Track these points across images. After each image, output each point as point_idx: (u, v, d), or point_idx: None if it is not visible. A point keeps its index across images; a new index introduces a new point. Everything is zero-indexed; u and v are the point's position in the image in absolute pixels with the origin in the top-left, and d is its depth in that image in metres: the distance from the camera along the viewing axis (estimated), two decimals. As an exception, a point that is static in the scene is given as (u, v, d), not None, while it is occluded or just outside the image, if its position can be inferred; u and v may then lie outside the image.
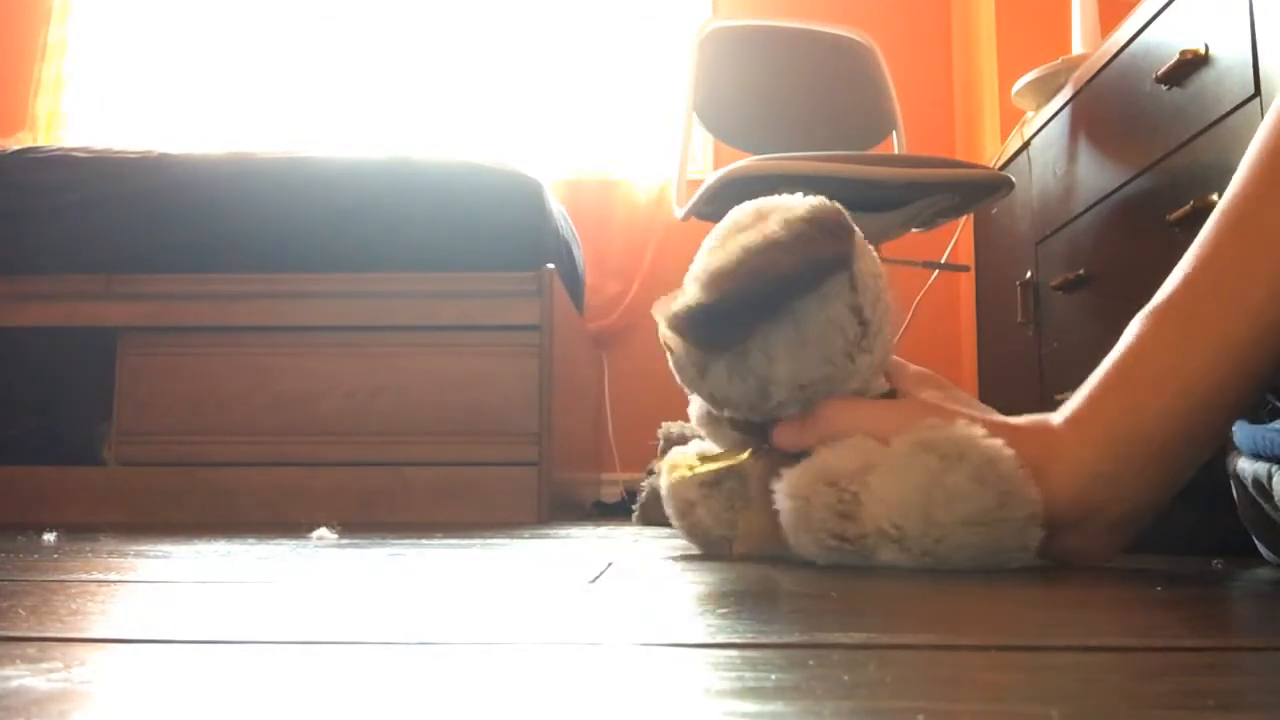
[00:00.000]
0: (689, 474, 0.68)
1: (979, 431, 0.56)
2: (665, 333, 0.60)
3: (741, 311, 0.57)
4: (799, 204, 0.60)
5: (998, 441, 0.56)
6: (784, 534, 0.64)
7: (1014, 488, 0.55)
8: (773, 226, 0.57)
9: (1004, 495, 0.54)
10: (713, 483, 0.68)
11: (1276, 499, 0.59)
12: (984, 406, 0.63)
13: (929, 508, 0.54)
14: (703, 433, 0.71)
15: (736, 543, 0.68)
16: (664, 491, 0.72)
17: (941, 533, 0.54)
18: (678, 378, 0.63)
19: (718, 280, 0.56)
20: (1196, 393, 0.56)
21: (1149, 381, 0.57)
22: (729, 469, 0.67)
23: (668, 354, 0.63)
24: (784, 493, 0.58)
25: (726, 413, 0.63)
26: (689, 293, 0.57)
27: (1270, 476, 0.60)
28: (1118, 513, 0.58)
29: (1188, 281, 0.58)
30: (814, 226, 0.56)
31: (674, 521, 0.72)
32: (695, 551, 0.75)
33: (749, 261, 0.55)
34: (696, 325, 0.57)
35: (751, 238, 0.56)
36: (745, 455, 0.65)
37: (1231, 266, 0.56)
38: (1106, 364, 0.59)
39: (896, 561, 0.57)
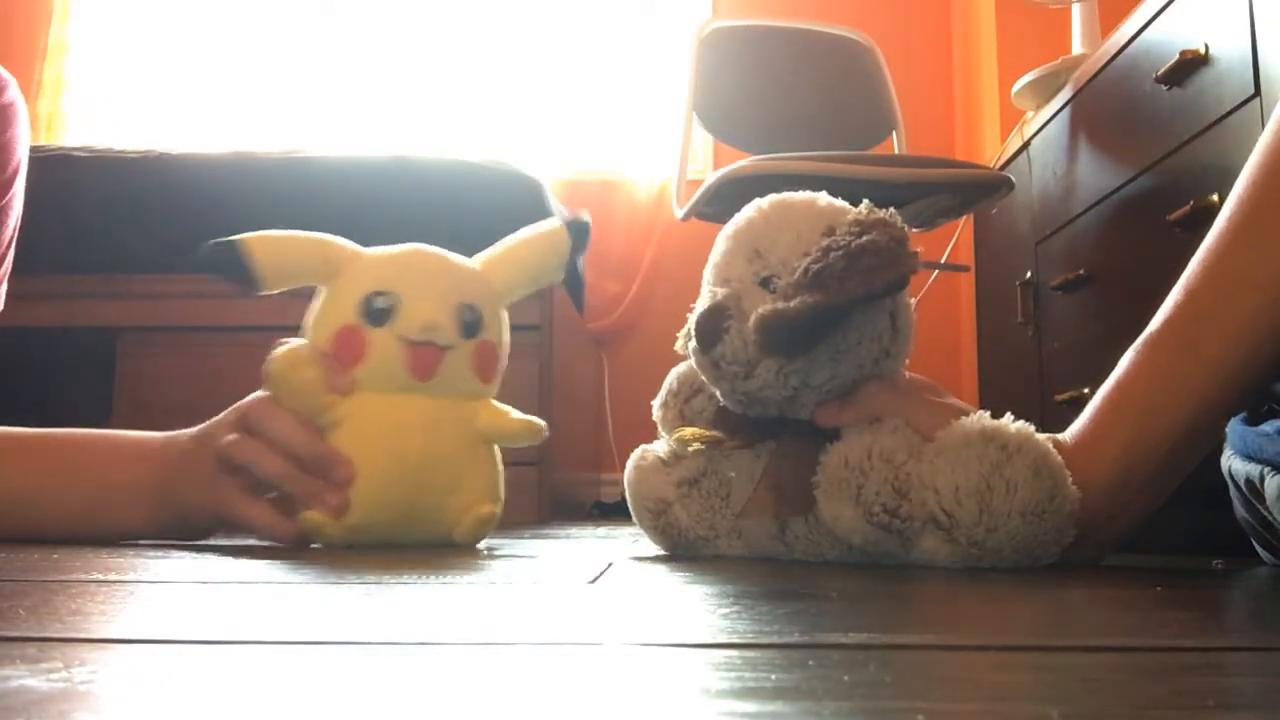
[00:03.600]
0: (691, 445, 0.66)
1: (1030, 426, 0.58)
2: (751, 330, 0.59)
3: (833, 317, 0.57)
4: (850, 209, 0.61)
5: (1044, 436, 0.58)
6: (786, 529, 0.63)
7: (1062, 482, 0.56)
8: (857, 229, 0.57)
9: (1054, 488, 0.56)
10: (692, 481, 0.68)
11: (1268, 501, 0.60)
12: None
13: (987, 496, 0.55)
14: (665, 433, 0.71)
15: (725, 543, 0.68)
16: (632, 488, 0.70)
17: (996, 522, 0.55)
18: (707, 375, 0.62)
19: (823, 282, 0.56)
20: (1195, 415, 0.59)
21: (1148, 409, 0.59)
22: (718, 462, 0.67)
23: (698, 354, 0.62)
24: (836, 464, 0.58)
25: (752, 411, 0.63)
26: (783, 296, 0.57)
27: (1262, 479, 0.60)
28: (1115, 530, 0.61)
29: (1180, 308, 0.60)
30: (899, 232, 0.57)
31: (643, 521, 0.70)
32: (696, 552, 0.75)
33: (855, 265, 0.56)
34: (790, 327, 0.57)
35: (846, 242, 0.57)
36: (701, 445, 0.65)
37: (1219, 291, 0.59)
38: (1108, 388, 0.61)
39: (935, 554, 0.57)
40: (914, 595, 0.47)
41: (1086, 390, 1.37)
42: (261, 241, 0.73)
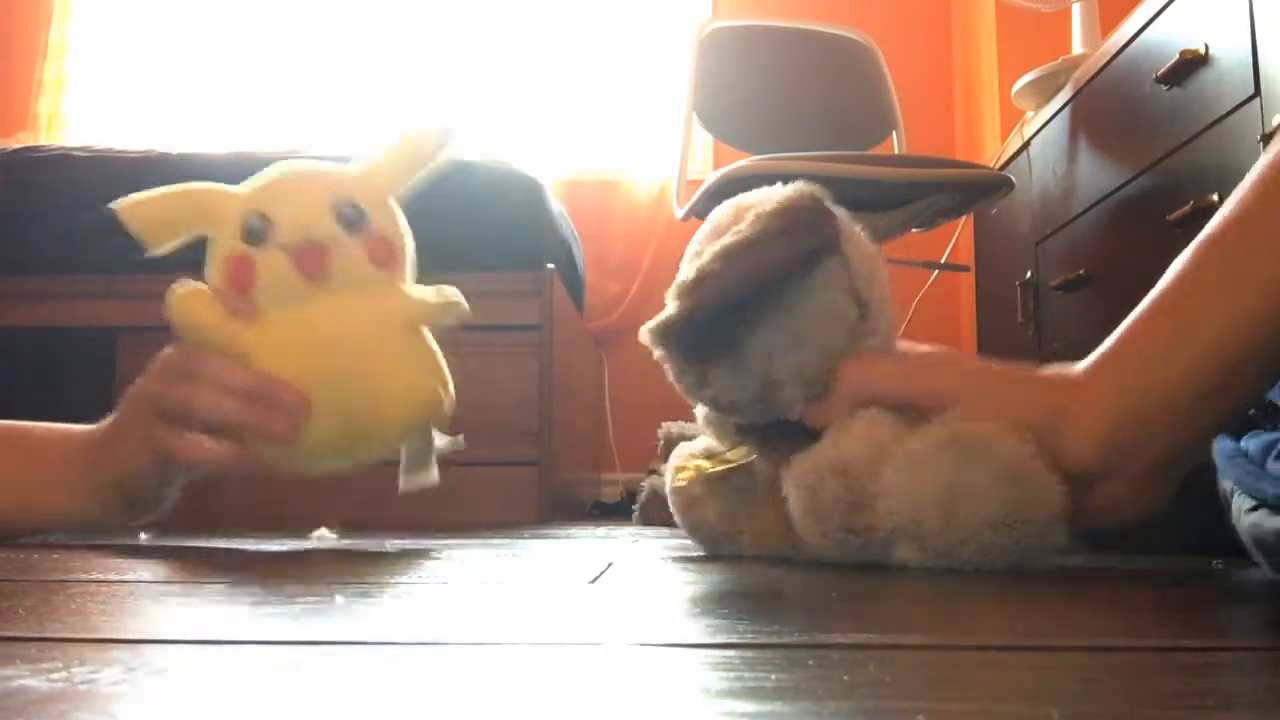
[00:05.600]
0: (696, 476, 0.67)
1: (1002, 426, 0.54)
2: (655, 349, 0.59)
3: (723, 317, 0.56)
4: (773, 196, 0.59)
5: (1017, 437, 0.54)
6: (794, 532, 0.62)
7: (1037, 489, 0.53)
8: (743, 227, 0.56)
9: (1028, 497, 0.52)
10: (719, 479, 0.67)
11: (1233, 517, 0.58)
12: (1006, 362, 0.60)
13: (951, 507, 0.52)
14: (708, 432, 0.70)
15: (747, 542, 0.67)
16: (668, 489, 0.71)
17: (965, 534, 0.53)
18: (678, 388, 0.62)
19: (692, 290, 0.55)
20: (1241, 330, 0.51)
21: (1188, 318, 0.52)
22: (737, 469, 0.66)
23: (666, 367, 0.62)
24: (791, 482, 0.57)
25: (734, 418, 0.63)
26: (668, 307, 0.57)
27: (1231, 494, 0.59)
28: (1153, 455, 0.54)
29: (1240, 208, 0.52)
30: (787, 219, 0.55)
31: (677, 518, 0.71)
32: (695, 552, 0.75)
33: (722, 266, 0.54)
34: (680, 338, 0.56)
35: (725, 241, 0.56)
36: (751, 456, 0.64)
37: None
38: (1145, 303, 0.55)
39: (913, 560, 0.55)
40: (914, 595, 0.47)
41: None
42: (130, 206, 0.72)
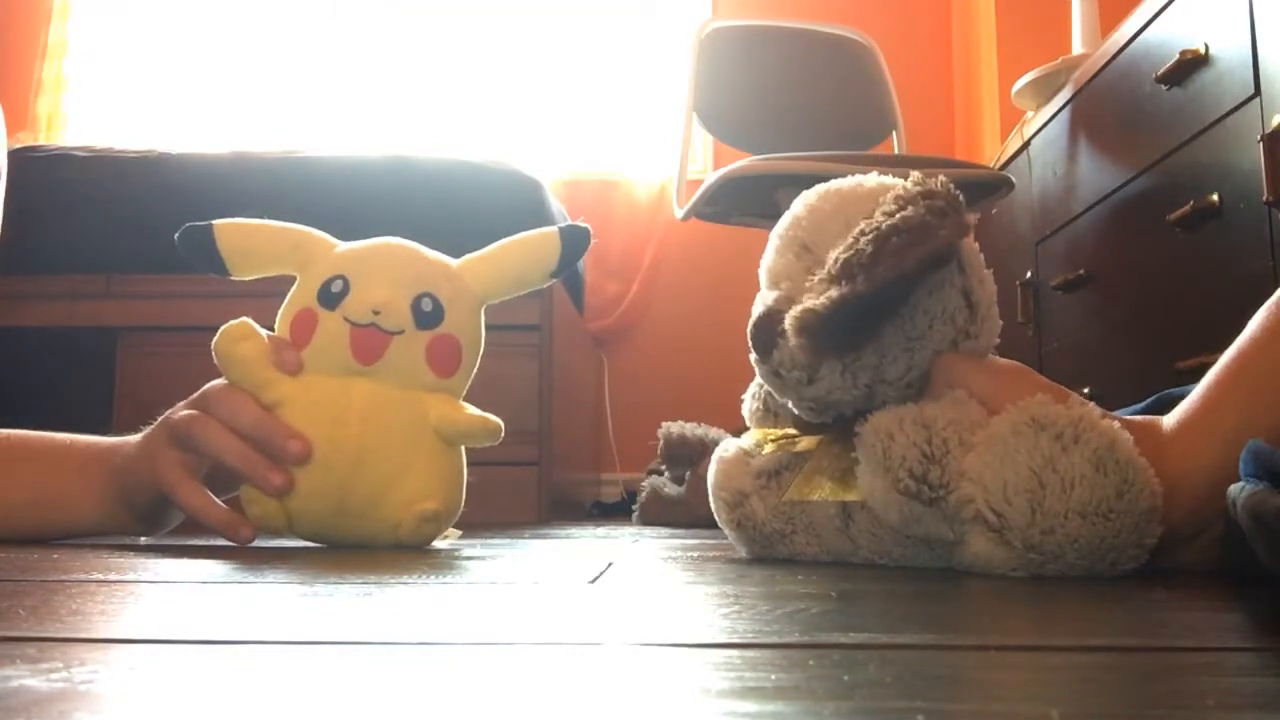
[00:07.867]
0: (780, 450, 0.63)
1: (1095, 411, 0.51)
2: (790, 336, 0.54)
3: (876, 306, 0.52)
4: (887, 182, 0.56)
5: (1115, 423, 0.51)
6: (852, 524, 0.59)
7: (1135, 475, 0.50)
8: (894, 208, 0.52)
9: (1124, 484, 0.49)
10: (771, 473, 0.63)
11: (1231, 499, 0.57)
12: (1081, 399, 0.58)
13: (1039, 494, 0.49)
14: (750, 424, 0.68)
15: (800, 540, 0.62)
16: (712, 480, 0.66)
17: (1052, 523, 0.49)
18: (771, 385, 0.59)
19: (850, 272, 0.51)
20: None
21: (1270, 380, 0.51)
22: (801, 453, 0.62)
23: (758, 364, 0.58)
24: (866, 430, 0.54)
25: (827, 418, 0.59)
26: (812, 296, 0.52)
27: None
28: (1216, 533, 0.52)
29: None
30: (941, 201, 0.52)
31: (721, 514, 0.65)
32: (695, 552, 0.75)
33: (883, 249, 0.50)
34: (828, 326, 0.52)
35: (874, 223, 0.51)
36: (816, 440, 0.61)
37: None
38: (1223, 362, 0.53)
39: (990, 559, 0.52)
40: (914, 595, 0.46)
41: (1087, 390, 1.37)
42: (230, 228, 0.74)
